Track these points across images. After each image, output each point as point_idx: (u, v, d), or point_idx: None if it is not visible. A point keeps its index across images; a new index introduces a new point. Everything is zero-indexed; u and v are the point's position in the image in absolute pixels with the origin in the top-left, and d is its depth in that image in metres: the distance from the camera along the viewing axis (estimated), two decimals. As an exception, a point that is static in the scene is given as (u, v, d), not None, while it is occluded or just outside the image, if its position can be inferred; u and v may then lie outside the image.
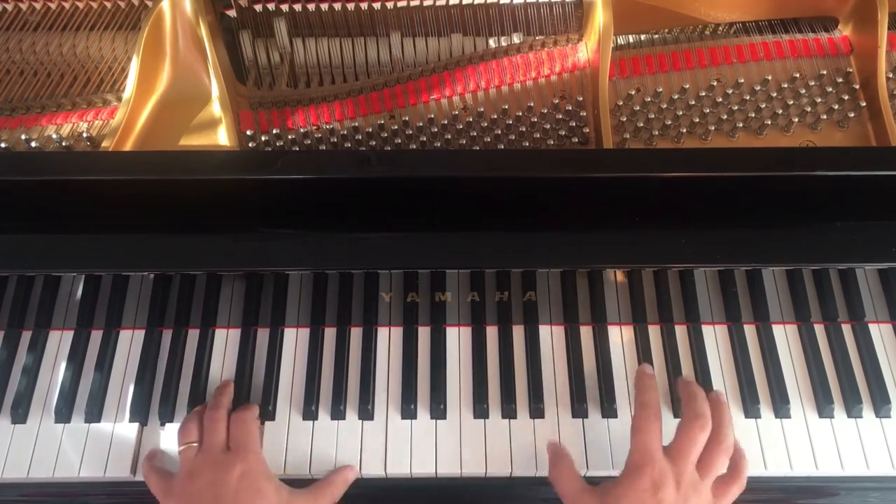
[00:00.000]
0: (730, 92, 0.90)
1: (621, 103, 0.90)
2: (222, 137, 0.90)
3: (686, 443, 0.71)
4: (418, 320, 0.87)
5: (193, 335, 0.87)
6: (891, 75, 0.91)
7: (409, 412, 0.82)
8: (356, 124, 0.89)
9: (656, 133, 0.88)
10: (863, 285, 0.88)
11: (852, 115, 0.89)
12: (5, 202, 0.74)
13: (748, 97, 0.90)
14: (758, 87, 0.90)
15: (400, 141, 0.87)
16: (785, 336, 0.86)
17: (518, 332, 0.86)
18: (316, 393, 0.83)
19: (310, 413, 0.82)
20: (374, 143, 0.87)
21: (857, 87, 0.90)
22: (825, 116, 0.89)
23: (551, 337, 0.86)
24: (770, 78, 0.90)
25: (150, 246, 0.75)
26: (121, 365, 0.85)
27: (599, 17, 0.87)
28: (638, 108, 0.88)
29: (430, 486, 0.82)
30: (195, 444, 0.76)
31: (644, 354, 0.85)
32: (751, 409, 0.82)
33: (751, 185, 0.74)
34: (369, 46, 0.95)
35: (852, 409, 0.81)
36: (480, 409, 0.82)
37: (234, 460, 0.73)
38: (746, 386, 0.83)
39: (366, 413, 0.82)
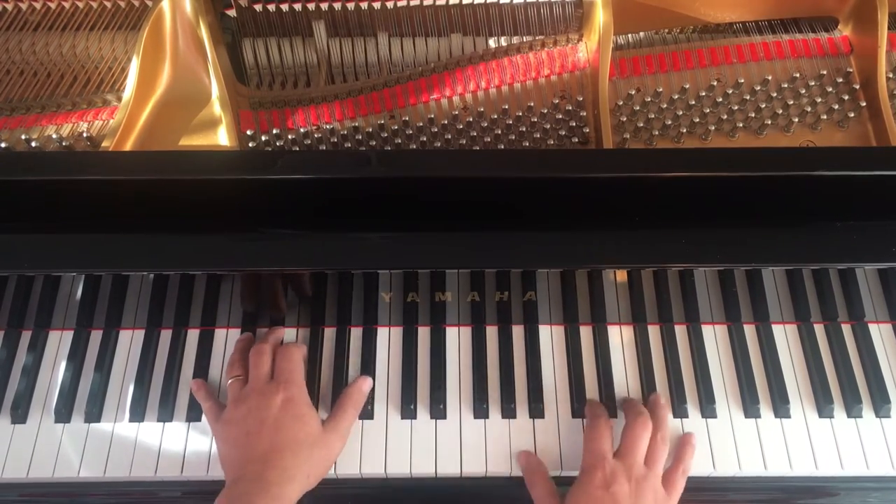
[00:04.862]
0: (730, 92, 0.90)
1: (621, 103, 0.90)
2: (222, 137, 0.90)
3: (632, 441, 0.76)
4: (418, 320, 0.87)
5: (193, 335, 0.87)
6: (891, 75, 0.91)
7: (408, 412, 0.82)
8: (356, 124, 0.89)
9: (656, 133, 0.88)
10: (863, 285, 0.88)
11: (852, 115, 0.89)
12: (5, 202, 0.74)
13: (748, 97, 0.90)
14: (758, 87, 0.90)
15: (400, 141, 0.87)
16: (785, 336, 0.86)
17: (518, 332, 0.86)
18: (316, 392, 0.83)
19: (310, 413, 0.82)
20: (374, 143, 0.87)
21: (857, 87, 0.90)
22: (825, 116, 0.89)
23: (551, 337, 0.86)
24: (770, 78, 0.90)
25: (150, 246, 0.75)
26: (121, 365, 0.86)
27: (599, 17, 0.87)
28: (638, 108, 0.88)
29: (430, 486, 0.82)
30: (241, 377, 0.80)
31: (644, 354, 0.85)
32: (750, 409, 0.82)
33: (751, 185, 0.74)
34: (369, 46, 0.95)
35: (852, 408, 0.82)
36: (480, 409, 0.82)
37: (277, 389, 0.77)
38: (746, 386, 0.83)
39: (365, 413, 0.82)
